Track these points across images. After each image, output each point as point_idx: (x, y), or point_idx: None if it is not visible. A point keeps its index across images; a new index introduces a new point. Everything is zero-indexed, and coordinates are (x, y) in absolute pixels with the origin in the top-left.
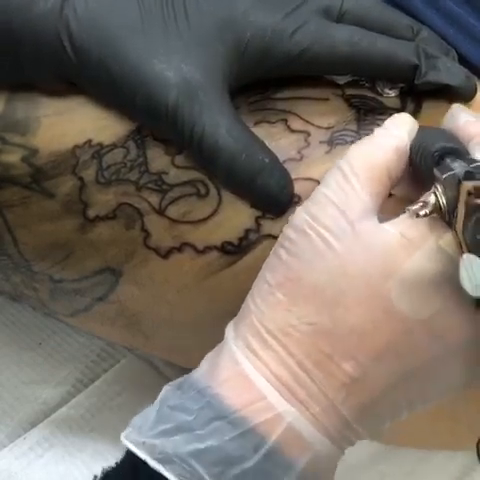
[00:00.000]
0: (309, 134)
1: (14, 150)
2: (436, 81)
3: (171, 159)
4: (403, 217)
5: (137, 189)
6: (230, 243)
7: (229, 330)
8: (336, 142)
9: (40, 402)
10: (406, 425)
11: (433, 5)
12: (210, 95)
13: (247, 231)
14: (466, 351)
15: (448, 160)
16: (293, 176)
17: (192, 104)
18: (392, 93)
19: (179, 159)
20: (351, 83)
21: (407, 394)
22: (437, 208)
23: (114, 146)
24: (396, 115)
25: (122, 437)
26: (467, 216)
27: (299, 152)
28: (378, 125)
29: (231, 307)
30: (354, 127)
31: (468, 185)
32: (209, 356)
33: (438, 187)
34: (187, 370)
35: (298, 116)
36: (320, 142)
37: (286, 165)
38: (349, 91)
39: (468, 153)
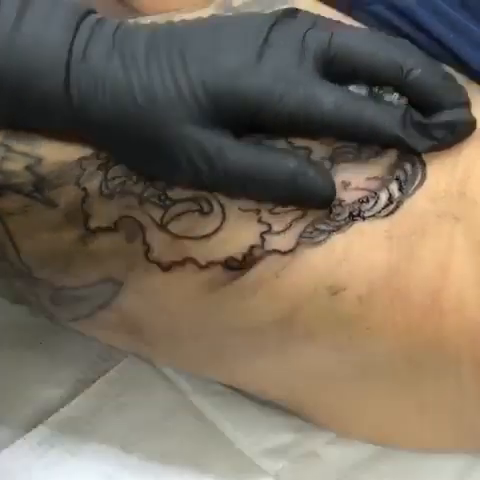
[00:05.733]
0: (311, 151)
1: (18, 158)
2: (422, 150)
3: None
4: None
5: (140, 203)
6: (234, 259)
7: None
8: (339, 159)
9: (41, 402)
10: (407, 429)
11: (433, 10)
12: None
13: (252, 247)
14: None
15: None
16: None
17: (201, 152)
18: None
19: None
20: None
21: None
22: None
23: None
24: None
25: None
26: None
27: None
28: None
29: (235, 322)
30: (354, 143)
31: None
32: None
33: None
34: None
35: None
36: (322, 158)
37: None
38: None
39: None
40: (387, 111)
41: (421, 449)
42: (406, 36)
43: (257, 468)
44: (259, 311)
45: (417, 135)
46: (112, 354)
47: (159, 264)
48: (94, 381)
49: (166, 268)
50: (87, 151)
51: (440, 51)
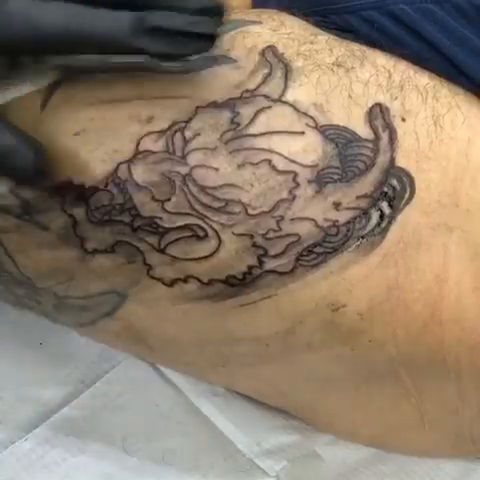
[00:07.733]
0: (296, 174)
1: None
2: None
3: (161, 205)
4: None
5: (133, 230)
6: (235, 277)
7: None
8: (325, 181)
9: (41, 403)
10: (407, 436)
11: (430, 18)
12: None
13: (250, 267)
14: None
15: None
16: (290, 217)
17: None
18: None
19: (169, 205)
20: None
21: None
22: None
23: (96, 189)
24: None
25: None
26: None
27: (291, 192)
28: (360, 161)
29: (239, 332)
30: (338, 164)
31: None
32: None
33: None
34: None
35: (281, 155)
36: (308, 181)
37: (280, 206)
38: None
39: None
40: (119, 18)
41: (421, 455)
42: (402, 43)
43: (257, 468)
44: (262, 323)
45: (159, 42)
46: (112, 354)
47: (162, 281)
48: (94, 381)
49: (169, 284)
50: (59, 176)
51: (437, 58)
